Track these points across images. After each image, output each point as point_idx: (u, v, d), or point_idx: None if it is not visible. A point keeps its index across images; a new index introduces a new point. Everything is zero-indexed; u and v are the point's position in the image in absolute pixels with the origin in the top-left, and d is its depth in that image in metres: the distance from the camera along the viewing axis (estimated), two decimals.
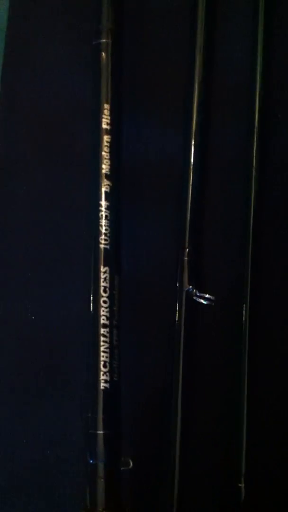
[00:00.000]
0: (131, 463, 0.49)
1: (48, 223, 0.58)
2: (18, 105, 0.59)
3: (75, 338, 0.56)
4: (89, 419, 0.48)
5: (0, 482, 0.55)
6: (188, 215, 0.54)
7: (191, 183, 0.54)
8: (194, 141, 0.54)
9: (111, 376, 0.48)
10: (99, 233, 0.49)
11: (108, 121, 0.49)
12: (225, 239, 0.56)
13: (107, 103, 0.49)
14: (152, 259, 0.56)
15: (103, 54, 0.49)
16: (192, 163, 0.54)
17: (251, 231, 0.54)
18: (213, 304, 0.53)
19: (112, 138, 0.49)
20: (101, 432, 0.48)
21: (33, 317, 0.57)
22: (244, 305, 0.54)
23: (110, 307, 0.49)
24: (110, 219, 0.49)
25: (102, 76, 0.49)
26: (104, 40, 0.49)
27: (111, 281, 0.49)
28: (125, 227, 0.52)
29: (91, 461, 0.48)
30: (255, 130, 0.55)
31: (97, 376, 0.48)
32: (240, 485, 0.51)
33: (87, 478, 0.48)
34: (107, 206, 0.49)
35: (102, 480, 0.48)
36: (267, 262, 0.55)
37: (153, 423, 0.54)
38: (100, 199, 0.49)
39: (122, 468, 0.49)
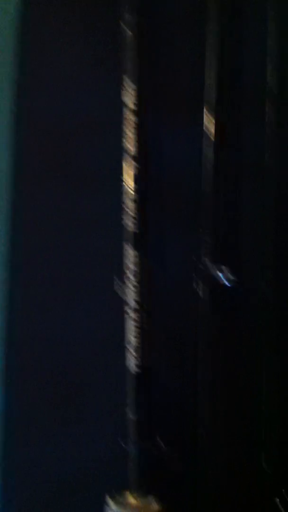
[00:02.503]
0: (164, 447, 0.49)
1: (68, 235, 0.55)
2: (31, 118, 0.54)
3: (99, 352, 0.54)
4: (122, 405, 0.48)
5: (28, 495, 0.54)
6: (210, 220, 0.53)
7: (212, 184, 0.53)
8: (215, 143, 0.53)
9: (142, 361, 0.48)
10: (127, 217, 0.48)
11: (135, 101, 0.48)
12: (248, 240, 0.56)
13: (134, 83, 0.48)
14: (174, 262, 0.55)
15: (131, 33, 0.48)
16: (213, 166, 0.53)
17: (272, 232, 0.54)
18: (236, 283, 0.52)
19: (139, 120, 0.48)
20: (133, 417, 0.47)
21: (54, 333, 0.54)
22: (270, 307, 0.54)
23: (141, 291, 0.48)
24: (139, 203, 0.48)
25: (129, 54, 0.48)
26: (131, 20, 0.48)
27: (141, 265, 0.48)
28: None
29: (123, 445, 0.48)
30: (272, 128, 0.54)
31: (129, 361, 0.48)
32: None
33: (120, 462, 0.48)
34: (136, 189, 0.48)
35: (134, 463, 0.47)
36: None
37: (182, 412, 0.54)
38: (128, 182, 0.48)
39: (155, 452, 0.48)
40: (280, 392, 0.53)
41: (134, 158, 0.48)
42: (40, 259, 0.55)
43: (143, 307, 0.48)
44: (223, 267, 0.53)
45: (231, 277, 0.53)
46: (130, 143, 0.49)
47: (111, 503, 0.48)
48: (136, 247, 0.48)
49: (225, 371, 0.54)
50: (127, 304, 0.49)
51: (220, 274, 0.53)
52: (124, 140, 0.49)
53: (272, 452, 0.52)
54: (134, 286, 0.48)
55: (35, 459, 0.54)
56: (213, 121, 0.53)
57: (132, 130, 0.48)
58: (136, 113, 0.48)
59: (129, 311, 0.49)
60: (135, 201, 0.48)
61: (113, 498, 0.48)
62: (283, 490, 0.52)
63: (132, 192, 0.48)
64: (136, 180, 0.48)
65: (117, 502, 0.48)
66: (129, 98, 0.48)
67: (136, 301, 0.48)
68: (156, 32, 0.55)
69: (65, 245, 0.55)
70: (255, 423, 0.53)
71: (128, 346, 0.48)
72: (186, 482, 0.53)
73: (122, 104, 0.49)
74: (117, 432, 0.49)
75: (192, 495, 0.53)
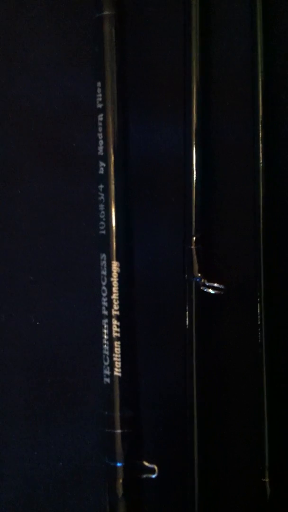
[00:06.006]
0: (157, 470, 0.45)
1: (49, 226, 0.55)
2: (11, 106, 0.55)
3: (82, 342, 0.53)
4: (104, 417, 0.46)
5: (12, 498, 0.53)
6: (194, 203, 0.52)
7: (194, 169, 0.52)
8: (196, 127, 0.52)
9: (111, 370, 0.45)
10: (97, 219, 0.46)
11: (100, 99, 0.47)
12: (234, 226, 0.54)
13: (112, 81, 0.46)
14: (161, 251, 0.54)
15: (107, 26, 0.46)
16: (194, 149, 0.52)
17: (261, 216, 0.52)
18: (222, 293, 0.50)
19: (104, 117, 0.47)
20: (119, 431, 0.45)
21: (37, 323, 0.54)
22: (258, 293, 0.51)
23: (108, 296, 0.46)
24: (105, 203, 0.46)
25: (105, 50, 0.46)
26: (108, 12, 0.46)
27: (108, 268, 0.46)
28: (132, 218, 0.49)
29: (110, 463, 0.45)
30: (259, 112, 0.53)
31: (100, 370, 0.46)
32: (264, 480, 0.49)
33: (106, 482, 0.45)
34: (102, 189, 0.46)
35: (122, 482, 0.44)
36: (279, 247, 0.53)
37: (173, 423, 0.52)
38: (97, 183, 0.46)
39: (146, 476, 0.45)
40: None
41: (100, 158, 0.47)
42: (17, 249, 0.54)
43: (111, 313, 0.46)
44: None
45: (216, 285, 0.50)
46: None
47: None
48: (102, 249, 0.46)
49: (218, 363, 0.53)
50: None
51: (205, 283, 0.50)
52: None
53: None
54: (103, 291, 0.46)
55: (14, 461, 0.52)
56: (196, 112, 0.52)
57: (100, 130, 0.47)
58: (101, 110, 0.46)
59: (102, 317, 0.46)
60: (102, 202, 0.46)
61: None
62: None
63: (101, 193, 0.47)
64: (102, 180, 0.46)
65: None
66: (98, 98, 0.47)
67: (105, 307, 0.46)
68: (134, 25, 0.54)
69: (45, 234, 0.54)
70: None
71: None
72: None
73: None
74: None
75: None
